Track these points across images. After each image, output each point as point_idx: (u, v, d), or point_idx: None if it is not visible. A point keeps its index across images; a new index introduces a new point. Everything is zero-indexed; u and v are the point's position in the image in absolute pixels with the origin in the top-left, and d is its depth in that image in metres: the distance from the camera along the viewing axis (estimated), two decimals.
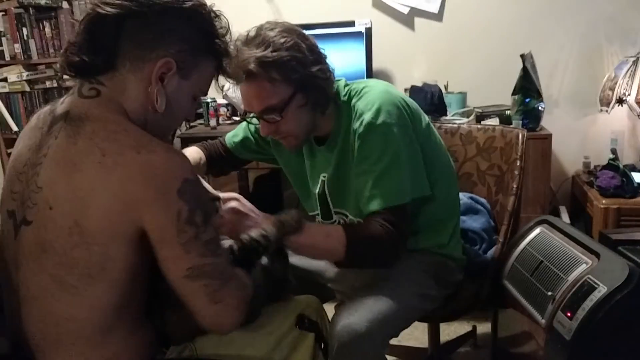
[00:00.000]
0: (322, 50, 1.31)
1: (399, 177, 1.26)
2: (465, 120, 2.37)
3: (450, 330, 2.15)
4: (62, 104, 0.95)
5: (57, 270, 0.88)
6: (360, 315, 1.20)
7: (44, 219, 0.88)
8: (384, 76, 2.72)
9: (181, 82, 0.97)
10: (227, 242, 1.10)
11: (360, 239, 1.23)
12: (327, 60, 1.31)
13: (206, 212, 0.92)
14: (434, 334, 1.87)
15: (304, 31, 1.30)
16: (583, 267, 1.21)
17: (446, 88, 2.57)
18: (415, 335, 2.08)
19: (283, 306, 1.18)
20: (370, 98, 1.31)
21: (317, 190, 1.43)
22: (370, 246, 1.23)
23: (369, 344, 1.18)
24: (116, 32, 0.92)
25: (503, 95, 2.45)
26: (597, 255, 1.21)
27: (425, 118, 1.41)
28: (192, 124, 2.63)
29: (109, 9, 0.91)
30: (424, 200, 1.37)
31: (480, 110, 2.45)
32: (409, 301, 1.29)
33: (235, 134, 1.59)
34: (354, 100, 1.34)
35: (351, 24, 2.53)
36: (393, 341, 1.29)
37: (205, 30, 0.98)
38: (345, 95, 1.36)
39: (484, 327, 2.12)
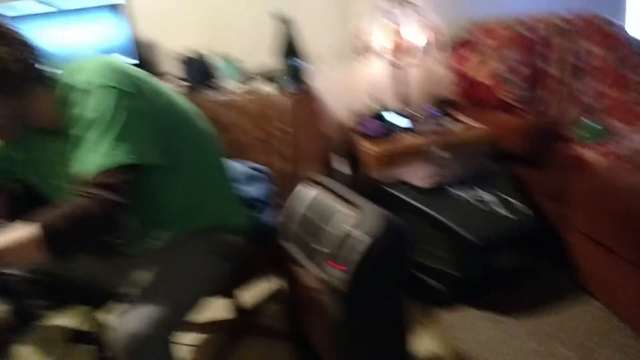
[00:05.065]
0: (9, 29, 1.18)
1: (109, 138, 1.16)
2: (234, 85, 2.39)
3: (252, 293, 2.21)
4: None
5: None
6: (138, 319, 1.17)
7: None
8: (149, 46, 2.60)
9: None
10: None
11: (57, 219, 1.09)
12: (21, 39, 1.19)
13: None
14: (234, 302, 1.91)
15: None
16: (348, 220, 1.31)
17: (213, 55, 2.55)
18: (216, 306, 2.10)
19: (50, 325, 1.11)
20: (84, 70, 1.23)
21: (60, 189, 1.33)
22: (73, 223, 1.09)
23: (151, 346, 1.17)
24: None
25: (269, 58, 2.51)
26: (359, 208, 1.33)
27: (161, 86, 1.36)
28: None
29: None
30: (183, 179, 1.35)
31: (248, 75, 2.48)
32: (196, 287, 1.30)
33: None
34: (70, 78, 1.24)
35: None
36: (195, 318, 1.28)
37: None
38: (62, 76, 1.26)
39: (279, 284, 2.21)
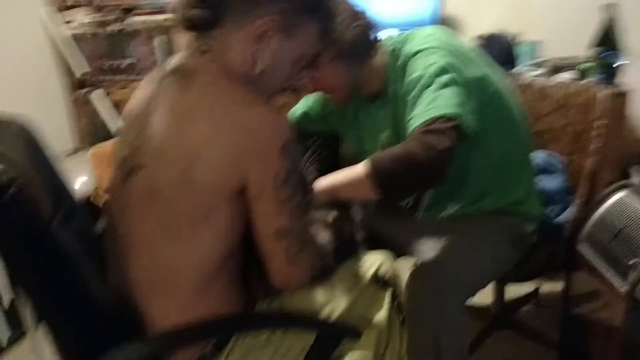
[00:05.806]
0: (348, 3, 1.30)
1: (442, 93, 1.18)
2: (537, 72, 2.28)
3: (512, 289, 2.14)
4: (173, 60, 0.99)
5: (164, 216, 0.91)
6: (435, 280, 1.24)
7: (153, 166, 0.92)
8: (453, 23, 2.62)
9: (282, 43, 0.96)
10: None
11: (386, 159, 1.13)
12: (361, 10, 1.31)
13: (301, 175, 0.95)
14: (499, 293, 1.87)
15: None
16: None
17: (518, 38, 2.46)
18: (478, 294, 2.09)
19: (360, 263, 1.20)
20: (416, 38, 1.32)
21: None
22: (400, 164, 1.11)
23: (447, 301, 1.22)
24: None
25: (579, 47, 2.32)
26: None
27: (482, 62, 1.36)
28: None
29: None
30: (492, 155, 1.35)
31: (553, 62, 2.34)
32: (487, 265, 1.30)
33: (296, 109, 1.62)
34: (401, 47, 1.34)
35: None
36: None
37: None
38: (393, 46, 1.36)
39: (546, 287, 2.10)
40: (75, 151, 2.71)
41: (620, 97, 2.13)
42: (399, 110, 1.33)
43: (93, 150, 2.17)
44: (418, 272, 1.27)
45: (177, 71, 0.95)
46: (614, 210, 1.36)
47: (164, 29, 2.85)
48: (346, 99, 1.41)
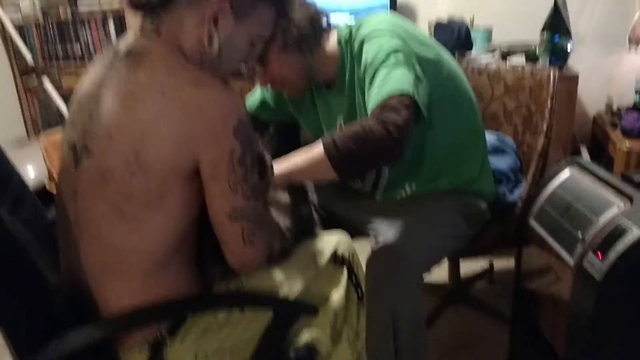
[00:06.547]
0: None
1: (396, 72, 1.19)
2: (490, 57, 2.33)
3: (466, 266, 2.20)
4: (123, 40, 0.96)
5: (117, 199, 0.89)
6: (400, 252, 1.25)
7: (104, 148, 0.90)
8: (408, 10, 2.65)
9: (236, 25, 0.96)
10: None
11: (342, 137, 1.13)
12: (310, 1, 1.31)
13: (255, 156, 0.94)
14: (454, 270, 1.91)
15: None
16: (615, 209, 1.21)
17: (471, 23, 2.50)
18: (434, 271, 2.14)
19: (318, 243, 1.21)
20: (369, 23, 1.32)
21: None
22: (357, 141, 1.11)
23: (404, 278, 1.23)
24: None
25: (530, 32, 2.39)
26: (630, 198, 1.22)
27: (434, 46, 1.38)
28: None
29: None
30: (446, 135, 1.38)
31: (505, 47, 2.39)
32: (442, 242, 1.33)
33: (253, 99, 1.61)
34: (354, 33, 1.35)
35: None
36: None
37: None
38: (346, 33, 1.36)
39: (499, 263, 2.17)
40: (26, 139, 2.64)
41: (569, 80, 2.21)
42: (357, 94, 1.34)
43: (45, 137, 2.11)
44: (377, 251, 1.28)
45: (127, 52, 0.93)
46: (563, 186, 1.41)
47: (117, 13, 2.79)
48: (301, 89, 1.42)
